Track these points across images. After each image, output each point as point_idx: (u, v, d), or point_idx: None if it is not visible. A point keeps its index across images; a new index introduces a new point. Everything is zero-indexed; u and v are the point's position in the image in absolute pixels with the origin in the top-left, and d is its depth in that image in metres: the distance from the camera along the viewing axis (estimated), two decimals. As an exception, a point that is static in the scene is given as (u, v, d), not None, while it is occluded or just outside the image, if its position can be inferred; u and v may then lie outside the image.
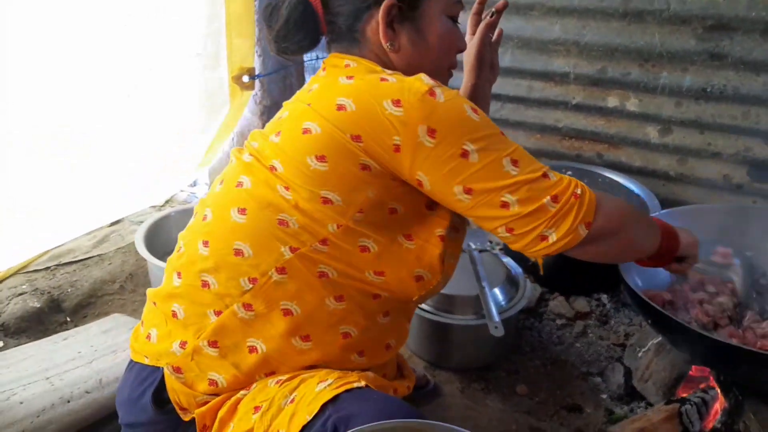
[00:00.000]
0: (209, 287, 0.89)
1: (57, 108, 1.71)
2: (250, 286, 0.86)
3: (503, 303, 1.47)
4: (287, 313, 0.87)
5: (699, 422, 1.19)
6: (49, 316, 1.67)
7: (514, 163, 0.81)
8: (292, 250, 0.84)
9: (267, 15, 0.95)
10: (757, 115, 1.74)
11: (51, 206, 1.80)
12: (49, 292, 1.71)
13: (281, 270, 0.85)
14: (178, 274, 0.93)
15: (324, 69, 0.96)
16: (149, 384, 0.94)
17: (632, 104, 1.92)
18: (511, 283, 1.53)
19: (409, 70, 0.89)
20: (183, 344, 0.90)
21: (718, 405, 1.20)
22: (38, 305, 1.66)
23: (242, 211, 0.88)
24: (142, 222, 1.88)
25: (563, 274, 1.75)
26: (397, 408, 0.78)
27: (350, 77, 0.86)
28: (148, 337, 0.95)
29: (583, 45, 1.91)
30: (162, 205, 2.14)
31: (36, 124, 1.69)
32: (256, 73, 1.96)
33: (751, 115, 1.75)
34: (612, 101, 1.95)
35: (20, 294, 1.68)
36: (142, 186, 2.01)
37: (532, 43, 1.98)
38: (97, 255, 1.88)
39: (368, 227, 0.85)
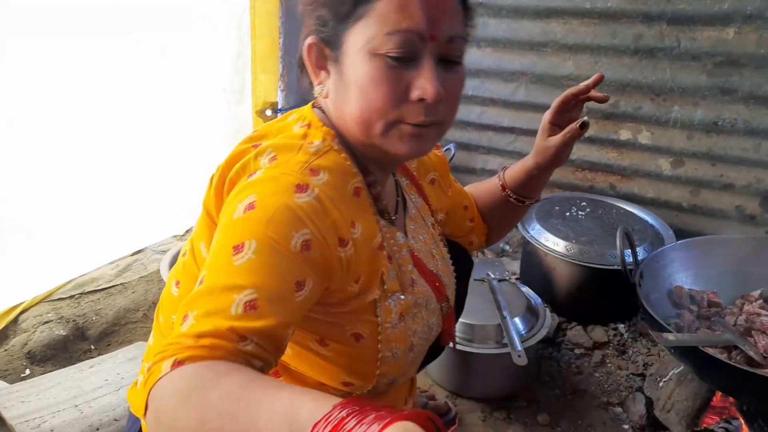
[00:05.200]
0: None
1: (83, 139, 1.77)
2: None
3: (523, 332, 1.49)
4: None
5: (724, 453, 1.19)
6: (74, 344, 1.69)
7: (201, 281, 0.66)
8: None
9: None
10: (768, 148, 1.78)
11: (75, 236, 1.85)
12: (74, 320, 1.74)
13: None
14: (155, 335, 0.94)
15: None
16: (138, 428, 0.95)
17: (644, 137, 1.96)
18: (531, 313, 1.55)
19: (338, 122, 0.79)
20: None
21: (743, 435, 1.21)
22: (64, 333, 1.69)
23: (177, 284, 0.87)
24: (164, 251, 1.91)
25: (581, 303, 1.77)
26: None
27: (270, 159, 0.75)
28: (137, 384, 0.96)
29: (595, 80, 1.97)
30: (183, 235, 2.18)
31: (61, 155, 1.74)
32: (279, 107, 2.02)
33: (762, 147, 1.79)
34: (624, 134, 1.99)
35: (46, 322, 1.71)
36: (165, 216, 2.05)
37: (546, 79, 2.04)
38: (121, 284, 1.90)
39: None
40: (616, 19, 1.87)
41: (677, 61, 1.82)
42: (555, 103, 0.97)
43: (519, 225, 1.82)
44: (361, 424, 0.44)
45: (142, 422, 0.92)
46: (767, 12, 1.66)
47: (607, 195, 2.05)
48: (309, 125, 0.79)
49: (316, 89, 0.79)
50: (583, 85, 0.94)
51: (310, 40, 0.76)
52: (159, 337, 0.91)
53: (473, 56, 2.15)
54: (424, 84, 0.71)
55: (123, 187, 1.92)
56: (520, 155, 2.20)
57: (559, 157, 0.99)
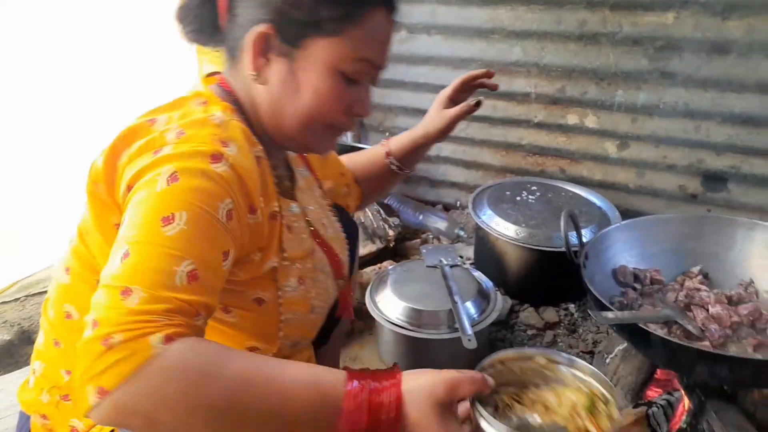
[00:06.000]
0: (59, 346, 0.87)
1: (27, 137, 1.71)
2: None
3: (475, 316, 1.51)
4: None
5: (666, 424, 1.24)
6: (20, 349, 1.64)
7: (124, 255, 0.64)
8: None
9: None
10: (708, 129, 1.84)
11: (19, 237, 1.79)
12: (19, 324, 1.69)
13: None
14: (44, 332, 0.91)
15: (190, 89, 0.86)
16: (28, 428, 0.93)
17: (591, 121, 2.00)
18: (482, 296, 1.57)
19: (272, 112, 0.84)
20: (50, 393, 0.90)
21: (683, 406, 1.25)
22: (8, 337, 1.64)
23: (68, 270, 0.85)
24: (113, 249, 1.86)
25: (532, 285, 1.81)
26: None
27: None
28: (28, 382, 0.94)
29: (542, 66, 2.00)
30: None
31: (4, 154, 1.68)
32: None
33: (702, 128, 1.85)
34: (572, 119, 2.03)
35: (-11, 326, 1.66)
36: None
37: (495, 65, 2.06)
38: (68, 284, 1.86)
39: None
40: (561, 5, 1.90)
41: (620, 45, 1.86)
42: (456, 81, 1.14)
43: (471, 210, 1.84)
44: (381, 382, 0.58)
45: (32, 420, 0.90)
46: (703, -4, 1.71)
47: (557, 179, 2.09)
48: (206, 102, 0.81)
49: (250, 74, 0.81)
50: (481, 71, 1.13)
51: (264, 28, 0.78)
52: (50, 332, 0.88)
53: (424, 44, 2.16)
54: (364, 103, 0.86)
55: (69, 185, 1.86)
56: (473, 141, 2.22)
57: (446, 129, 1.15)
